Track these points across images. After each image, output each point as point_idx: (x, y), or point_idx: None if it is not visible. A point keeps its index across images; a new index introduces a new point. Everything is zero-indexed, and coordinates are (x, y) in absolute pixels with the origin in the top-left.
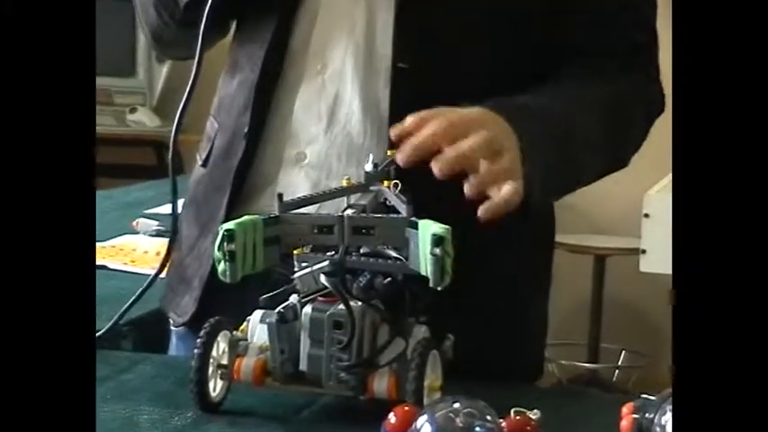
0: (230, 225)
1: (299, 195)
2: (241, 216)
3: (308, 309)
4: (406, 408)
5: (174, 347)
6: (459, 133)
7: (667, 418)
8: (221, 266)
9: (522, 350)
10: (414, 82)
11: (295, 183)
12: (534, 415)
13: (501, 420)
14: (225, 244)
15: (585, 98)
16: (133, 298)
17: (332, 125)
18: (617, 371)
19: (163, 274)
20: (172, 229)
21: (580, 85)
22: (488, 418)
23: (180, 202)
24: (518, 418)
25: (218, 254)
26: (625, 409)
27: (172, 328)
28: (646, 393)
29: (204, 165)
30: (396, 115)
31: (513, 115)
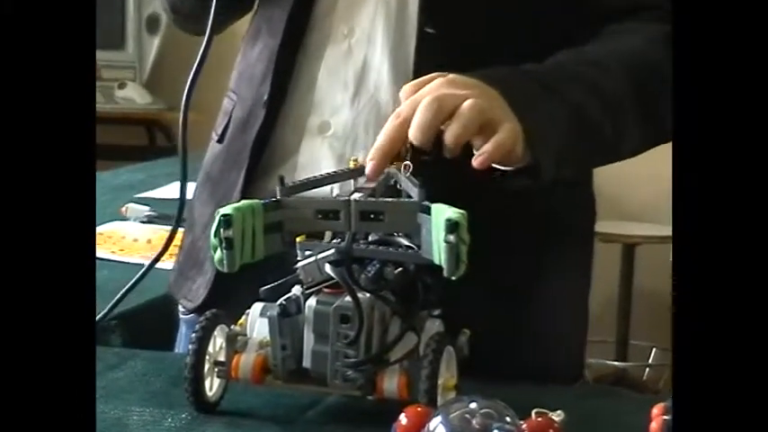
0: (227, 210)
1: (322, 170)
2: (256, 192)
3: (311, 301)
4: (419, 408)
5: (184, 337)
6: (451, 110)
7: None
8: (217, 254)
9: (550, 349)
10: (441, 49)
11: (318, 155)
12: (557, 416)
13: (521, 422)
14: (222, 230)
15: (611, 58)
16: (126, 287)
17: (359, 93)
18: (647, 369)
19: (167, 264)
20: (179, 210)
21: (605, 45)
22: (507, 419)
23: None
24: (540, 419)
25: (214, 240)
26: (655, 410)
27: (181, 316)
28: None
29: (220, 140)
30: None
31: (507, 85)
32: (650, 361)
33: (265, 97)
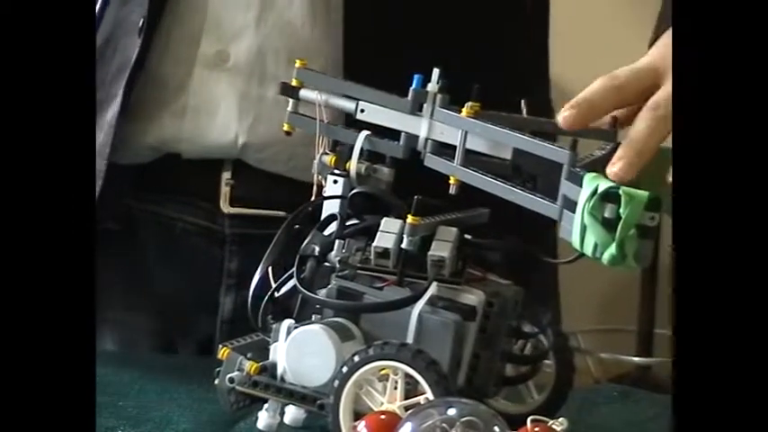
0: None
1: (220, 112)
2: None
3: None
4: (382, 416)
5: None
6: None
7: None
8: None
9: None
10: None
11: (214, 94)
12: (559, 425)
13: None
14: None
15: None
16: None
17: (266, 12)
18: None
19: None
20: None
21: None
22: (496, 429)
23: None
24: (537, 429)
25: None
26: None
27: None
28: None
29: None
30: None
31: None
32: None
33: (141, 22)
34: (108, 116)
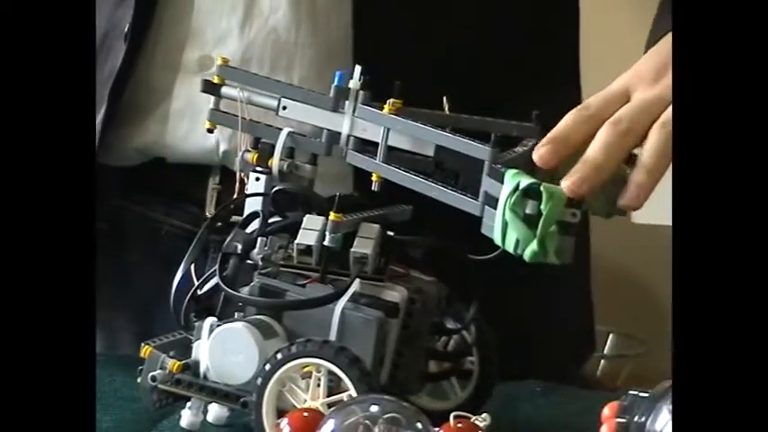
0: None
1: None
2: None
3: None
4: (305, 414)
5: None
6: None
7: (665, 421)
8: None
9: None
10: None
11: (196, 99)
12: (482, 421)
13: (437, 429)
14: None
15: None
16: None
17: (250, 18)
18: (602, 361)
19: None
20: None
21: None
22: (419, 426)
23: None
24: (459, 425)
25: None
26: (607, 411)
27: None
28: (637, 389)
29: None
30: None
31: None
32: (606, 351)
33: (126, 27)
34: (97, 120)
